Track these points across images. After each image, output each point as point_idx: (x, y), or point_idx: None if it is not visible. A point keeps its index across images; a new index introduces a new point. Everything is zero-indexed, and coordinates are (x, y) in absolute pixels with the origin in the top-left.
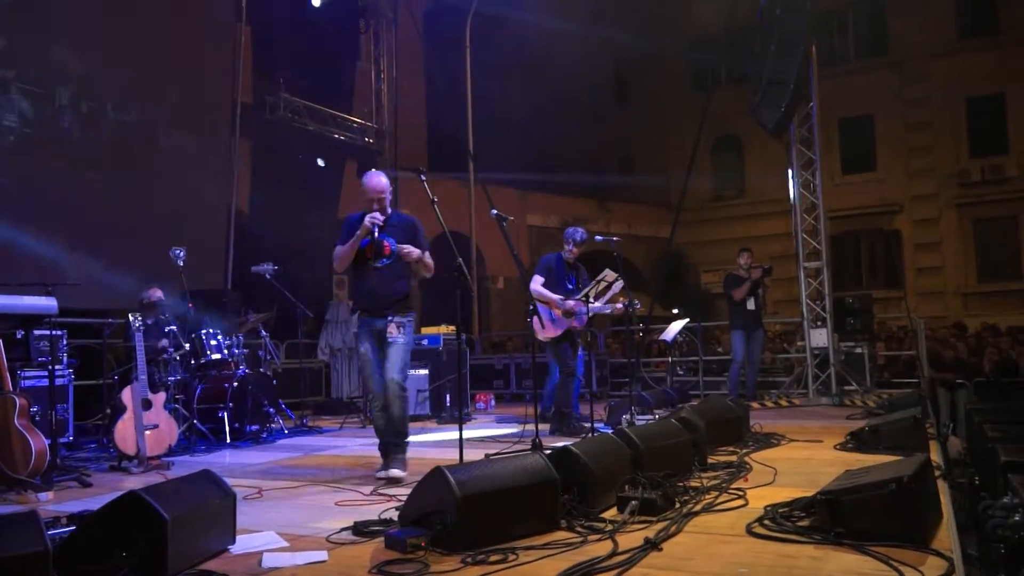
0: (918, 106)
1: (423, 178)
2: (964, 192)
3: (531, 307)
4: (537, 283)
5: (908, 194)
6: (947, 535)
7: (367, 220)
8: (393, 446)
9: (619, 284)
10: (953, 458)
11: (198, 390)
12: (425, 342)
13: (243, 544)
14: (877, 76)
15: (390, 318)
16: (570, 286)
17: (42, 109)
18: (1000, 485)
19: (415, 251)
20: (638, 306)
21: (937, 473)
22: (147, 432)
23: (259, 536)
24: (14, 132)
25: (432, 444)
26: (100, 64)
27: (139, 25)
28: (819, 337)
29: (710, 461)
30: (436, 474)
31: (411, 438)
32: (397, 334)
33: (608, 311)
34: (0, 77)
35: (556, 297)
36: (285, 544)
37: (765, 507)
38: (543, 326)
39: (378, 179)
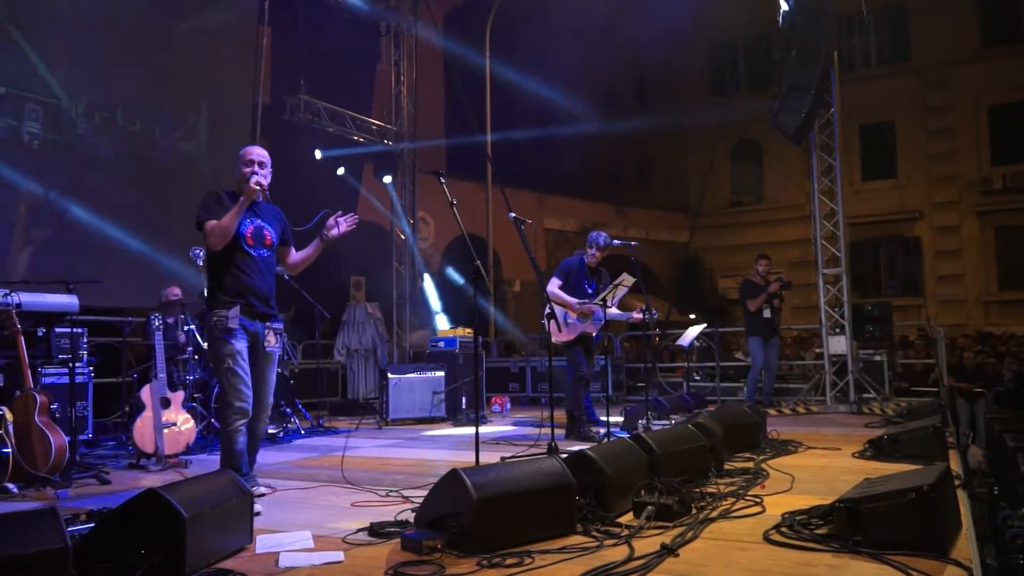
0: (940, 113)
1: (442, 180)
2: (985, 200)
3: (547, 310)
4: (554, 285)
5: (929, 201)
6: (966, 545)
7: (253, 180)
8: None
9: (630, 282)
10: (973, 468)
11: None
12: (442, 344)
13: (269, 543)
14: (899, 82)
15: (269, 323)
16: (589, 290)
17: (61, 117)
18: (1020, 495)
19: None
20: (656, 315)
21: (957, 483)
22: (165, 430)
23: (288, 535)
24: (38, 138)
25: (448, 446)
26: (119, 67)
27: (160, 27)
28: (837, 344)
29: (727, 467)
30: (453, 476)
31: (430, 432)
32: (275, 344)
33: (626, 319)
34: (21, 91)
35: (572, 300)
36: (311, 545)
37: (783, 514)
38: (559, 329)
39: (258, 147)
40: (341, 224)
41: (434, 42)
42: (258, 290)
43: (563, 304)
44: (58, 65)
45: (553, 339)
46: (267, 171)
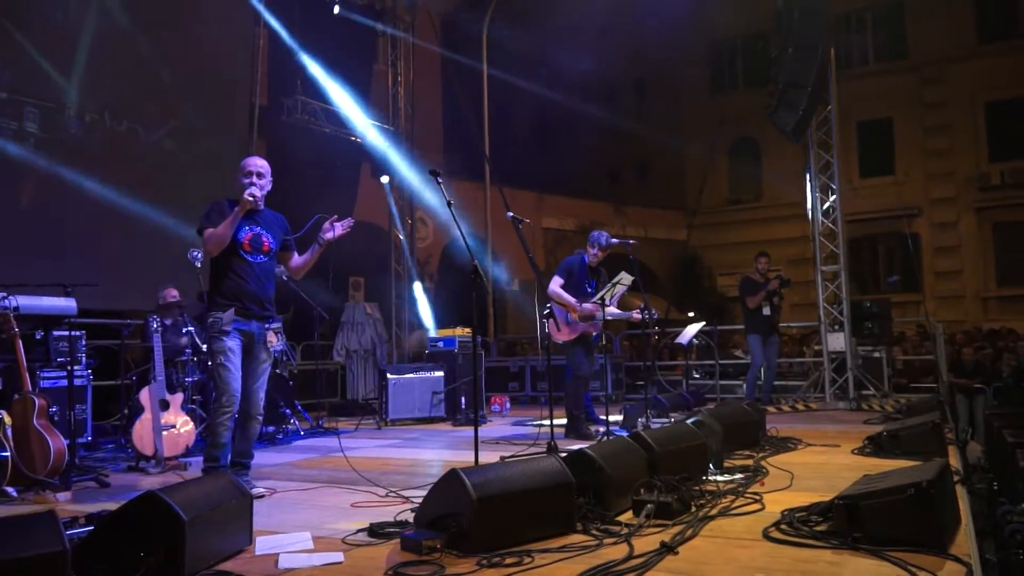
0: (937, 109)
1: (439, 180)
2: (983, 196)
3: (547, 309)
4: (556, 284)
5: (927, 198)
6: (965, 540)
7: (247, 193)
8: (240, 466)
9: (628, 280)
10: (972, 463)
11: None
12: (441, 344)
13: (269, 544)
14: (896, 79)
15: (269, 324)
16: (590, 290)
17: (58, 119)
18: (1019, 490)
19: None
20: (655, 314)
21: (956, 478)
22: (164, 433)
23: (288, 536)
24: (36, 138)
25: (447, 446)
26: (116, 67)
27: (157, 30)
28: (836, 341)
29: (726, 465)
30: (452, 476)
31: (430, 428)
32: (278, 343)
33: (625, 318)
34: (22, 94)
35: (573, 300)
36: (311, 546)
37: (782, 511)
38: (559, 328)
39: (258, 158)
40: (337, 228)
41: (431, 42)
42: (253, 295)
43: (564, 304)
44: (57, 66)
45: (553, 338)
46: (265, 181)
